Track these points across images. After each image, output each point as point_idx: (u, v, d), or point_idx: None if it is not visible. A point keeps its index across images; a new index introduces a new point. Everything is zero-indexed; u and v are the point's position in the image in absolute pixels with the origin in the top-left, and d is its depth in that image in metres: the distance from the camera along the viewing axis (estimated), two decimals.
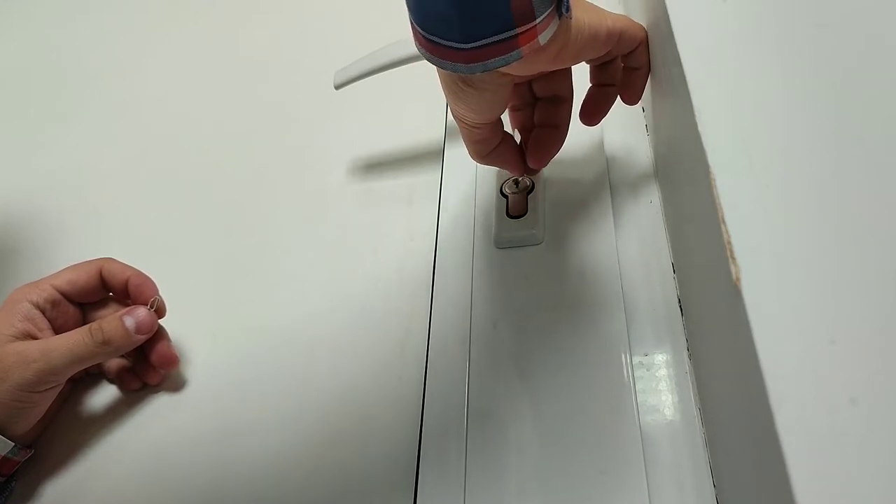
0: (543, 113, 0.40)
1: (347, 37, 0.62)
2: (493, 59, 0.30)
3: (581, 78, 0.40)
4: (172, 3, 0.75)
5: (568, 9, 0.30)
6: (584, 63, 0.39)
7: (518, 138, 0.42)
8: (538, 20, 0.29)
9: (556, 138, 0.40)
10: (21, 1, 0.83)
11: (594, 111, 0.40)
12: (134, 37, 0.74)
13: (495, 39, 0.29)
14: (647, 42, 0.38)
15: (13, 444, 0.40)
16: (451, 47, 0.29)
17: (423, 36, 0.30)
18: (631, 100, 0.40)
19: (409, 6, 0.30)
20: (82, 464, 0.43)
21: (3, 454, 0.40)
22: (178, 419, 0.44)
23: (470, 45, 0.29)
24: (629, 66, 0.39)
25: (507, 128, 0.42)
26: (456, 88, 0.33)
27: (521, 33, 0.29)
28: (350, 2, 0.66)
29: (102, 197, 0.59)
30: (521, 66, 0.32)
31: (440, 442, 0.37)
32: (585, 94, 0.40)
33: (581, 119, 0.41)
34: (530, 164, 0.41)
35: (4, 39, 0.80)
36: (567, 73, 0.39)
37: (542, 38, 0.30)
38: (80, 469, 0.43)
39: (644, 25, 0.38)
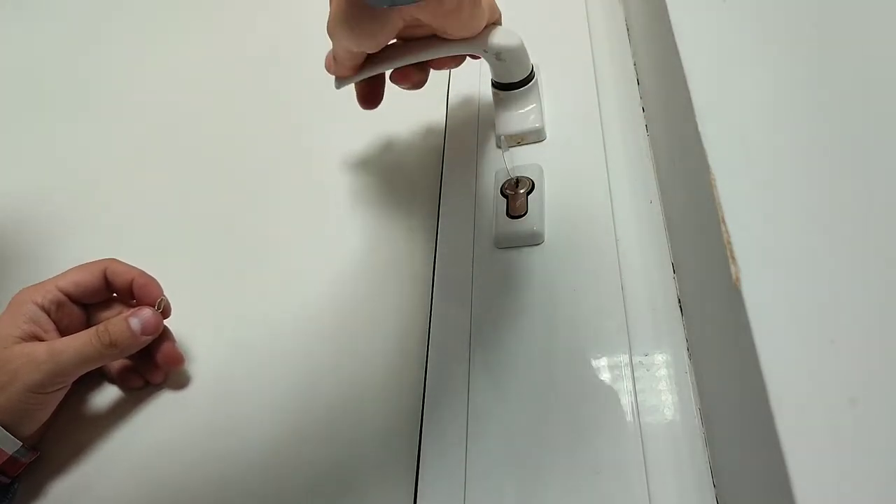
0: None
1: None
2: None
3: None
4: (175, 3, 0.75)
5: None
6: None
7: (503, 125, 0.44)
8: None
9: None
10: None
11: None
12: (134, 39, 0.74)
13: None
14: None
15: (20, 444, 0.40)
16: None
17: None
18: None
19: None
20: (86, 463, 0.43)
21: (10, 453, 0.40)
22: (179, 418, 0.44)
23: None
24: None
25: None
26: (352, 20, 0.36)
27: None
28: None
29: (106, 197, 0.59)
30: (421, 11, 0.35)
31: (440, 442, 0.37)
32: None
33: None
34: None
35: (9, 39, 0.80)
36: None
37: None
38: (83, 468, 0.43)
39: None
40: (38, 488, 0.43)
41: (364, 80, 0.43)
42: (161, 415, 0.44)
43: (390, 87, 0.49)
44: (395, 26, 0.36)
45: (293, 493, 0.39)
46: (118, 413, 0.45)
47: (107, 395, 0.46)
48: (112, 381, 0.46)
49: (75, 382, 0.45)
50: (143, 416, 0.44)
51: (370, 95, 0.45)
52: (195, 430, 0.43)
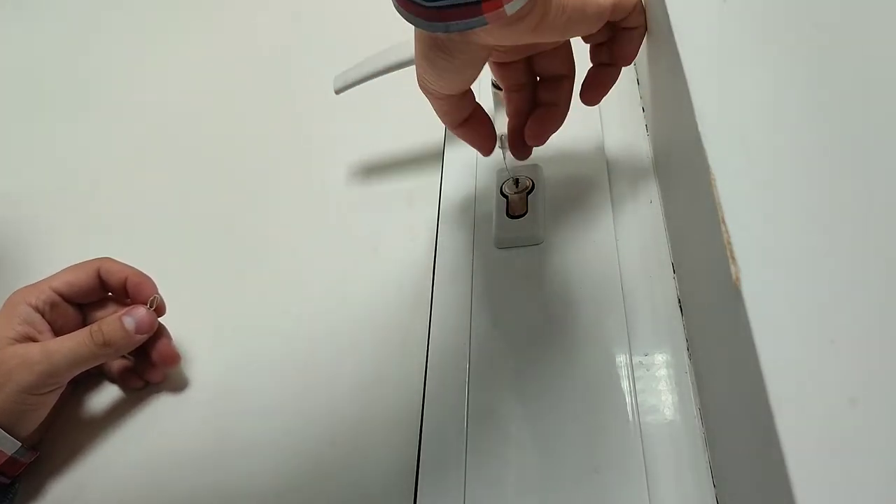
0: (545, 91, 0.39)
1: (349, 38, 0.62)
2: (454, 22, 0.29)
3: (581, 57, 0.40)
4: (175, 3, 0.75)
5: None
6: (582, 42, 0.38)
7: (503, 125, 0.41)
8: None
9: (557, 116, 0.39)
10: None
11: (594, 92, 0.39)
12: (134, 39, 0.74)
13: (458, 2, 0.29)
14: (641, 2, 0.37)
15: (20, 444, 0.40)
16: (415, 2, 0.29)
17: None
18: (626, 61, 0.38)
19: None
20: (86, 464, 0.43)
21: (10, 454, 0.40)
22: (179, 419, 0.44)
23: (432, 4, 0.29)
24: (623, 26, 0.37)
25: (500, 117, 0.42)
26: (429, 52, 0.33)
27: (485, 0, 0.29)
28: (350, 4, 0.66)
29: (102, 196, 0.59)
30: (496, 35, 0.31)
31: (440, 442, 0.37)
32: (586, 73, 0.39)
33: (581, 99, 0.40)
34: (529, 142, 0.40)
35: (9, 39, 0.80)
36: (567, 51, 0.39)
37: (510, 9, 0.29)
38: (83, 469, 0.43)
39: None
40: (38, 488, 0.43)
41: (469, 127, 0.39)
42: (161, 415, 0.44)
43: (390, 88, 0.49)
44: (475, 56, 0.33)
45: (293, 493, 0.39)
46: (118, 413, 0.45)
47: (107, 395, 0.46)
48: (113, 381, 0.46)
49: (76, 382, 0.46)
50: (143, 416, 0.44)
51: (485, 140, 0.40)
52: (195, 430, 0.43)
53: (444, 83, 0.35)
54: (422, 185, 0.50)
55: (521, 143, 0.41)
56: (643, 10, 0.37)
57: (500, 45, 0.33)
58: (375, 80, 0.48)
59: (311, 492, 0.38)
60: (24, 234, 0.58)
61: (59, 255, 0.48)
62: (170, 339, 0.45)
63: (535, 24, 0.32)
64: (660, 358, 0.37)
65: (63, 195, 0.60)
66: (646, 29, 0.38)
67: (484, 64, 0.34)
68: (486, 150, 0.41)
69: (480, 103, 0.39)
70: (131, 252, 0.46)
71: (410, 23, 0.31)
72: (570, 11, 0.33)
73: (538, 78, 0.40)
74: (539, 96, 0.40)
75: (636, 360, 0.37)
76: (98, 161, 0.62)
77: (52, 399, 0.41)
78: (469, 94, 0.37)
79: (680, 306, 0.38)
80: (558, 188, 0.44)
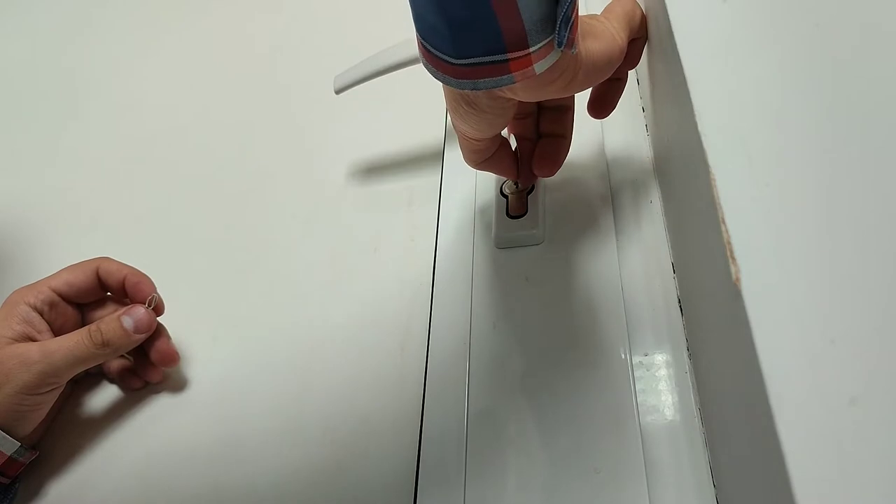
0: (548, 123, 0.40)
1: (348, 38, 0.62)
2: (483, 80, 0.30)
3: None
4: (175, 4, 0.75)
5: (565, 43, 0.29)
6: None
7: (513, 144, 0.42)
8: (532, 49, 0.29)
9: (563, 147, 0.40)
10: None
11: (602, 105, 0.40)
12: (134, 38, 0.74)
13: (486, 60, 0.29)
14: (643, 14, 0.37)
15: (19, 444, 0.40)
16: (444, 60, 0.30)
17: (422, 44, 0.30)
18: (631, 65, 0.39)
19: (412, 14, 0.30)
20: (85, 464, 0.43)
21: (9, 454, 0.40)
22: (179, 419, 0.44)
23: (460, 62, 0.29)
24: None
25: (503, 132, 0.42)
26: (458, 107, 0.33)
27: (513, 59, 0.29)
28: (350, 4, 0.66)
29: (102, 196, 0.59)
30: (524, 92, 0.32)
31: (440, 442, 0.37)
32: (593, 88, 0.40)
33: (589, 112, 0.40)
34: (538, 174, 0.41)
35: (8, 37, 0.80)
36: None
37: (539, 68, 0.29)
38: (83, 469, 0.43)
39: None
40: (38, 488, 0.43)
41: (493, 161, 0.39)
42: (161, 415, 0.44)
43: (390, 88, 0.49)
44: (503, 108, 0.33)
45: (293, 493, 0.39)
46: (118, 413, 0.45)
47: (107, 395, 0.46)
48: (112, 380, 0.46)
49: (75, 382, 0.46)
50: (143, 416, 0.44)
51: (508, 171, 0.41)
52: (195, 430, 0.43)
53: (475, 132, 0.36)
54: (422, 185, 0.50)
55: (527, 172, 0.42)
56: (645, 20, 0.38)
57: (527, 101, 0.34)
58: (375, 80, 0.48)
59: (311, 492, 0.38)
60: (23, 234, 0.58)
61: (58, 255, 0.48)
62: (169, 338, 0.45)
63: (564, 86, 0.32)
64: (660, 358, 0.37)
65: (63, 195, 0.60)
66: (647, 37, 0.38)
67: (513, 113, 0.35)
68: (511, 177, 0.43)
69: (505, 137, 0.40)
70: (131, 252, 0.46)
71: (439, 80, 0.31)
72: (597, 69, 0.34)
73: (539, 108, 0.41)
74: (542, 127, 0.41)
75: (636, 360, 0.37)
76: (98, 161, 0.62)
77: (52, 399, 0.41)
78: (498, 135, 0.38)
79: (680, 306, 0.38)
80: (558, 188, 0.44)
